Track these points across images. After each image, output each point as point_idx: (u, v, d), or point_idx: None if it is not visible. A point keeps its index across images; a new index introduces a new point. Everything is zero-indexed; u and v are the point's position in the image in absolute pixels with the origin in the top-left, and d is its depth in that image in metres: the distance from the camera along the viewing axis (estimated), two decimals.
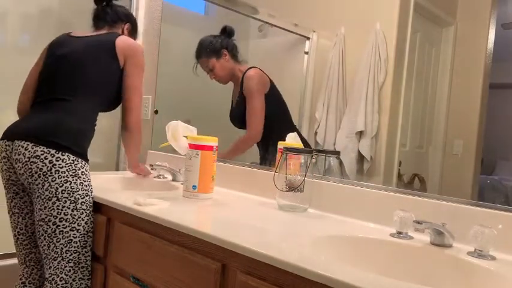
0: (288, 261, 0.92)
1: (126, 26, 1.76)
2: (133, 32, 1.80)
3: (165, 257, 1.23)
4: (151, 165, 2.03)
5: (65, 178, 1.38)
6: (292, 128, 1.70)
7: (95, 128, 1.57)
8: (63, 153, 1.38)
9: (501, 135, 1.23)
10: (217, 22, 2.22)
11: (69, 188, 1.38)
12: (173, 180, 1.96)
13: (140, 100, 1.65)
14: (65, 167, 1.38)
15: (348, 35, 1.57)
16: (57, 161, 1.37)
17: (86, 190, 1.43)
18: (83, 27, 1.72)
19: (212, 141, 1.57)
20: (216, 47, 1.92)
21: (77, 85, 1.51)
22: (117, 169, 2.39)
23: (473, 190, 1.26)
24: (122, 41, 1.60)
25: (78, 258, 1.42)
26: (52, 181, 1.36)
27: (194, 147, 1.56)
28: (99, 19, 1.72)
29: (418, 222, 1.11)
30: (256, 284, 0.99)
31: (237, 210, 1.43)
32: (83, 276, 1.44)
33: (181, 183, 1.69)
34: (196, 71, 2.01)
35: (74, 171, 1.40)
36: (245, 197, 1.69)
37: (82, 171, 1.43)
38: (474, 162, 1.26)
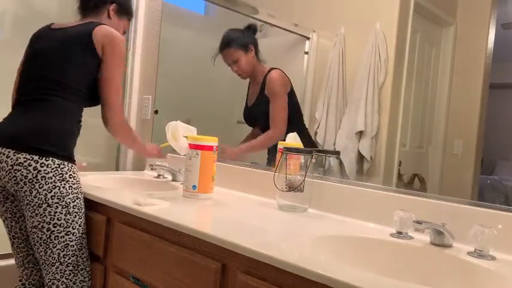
0: (288, 261, 0.92)
1: (112, 7, 1.62)
2: (121, 13, 1.66)
3: (165, 257, 1.23)
4: (151, 165, 2.03)
5: (53, 184, 1.35)
6: (304, 129, 1.69)
7: (81, 125, 1.51)
8: (47, 159, 1.34)
9: (501, 135, 1.23)
10: (217, 22, 2.23)
11: (59, 193, 1.36)
12: (173, 180, 1.96)
13: (117, 93, 1.52)
14: (51, 172, 1.35)
15: (348, 35, 1.57)
16: (42, 166, 1.34)
17: (76, 193, 1.41)
18: None
19: (212, 141, 1.57)
20: (245, 41, 1.90)
21: (57, 83, 1.44)
22: (117, 169, 2.38)
23: (473, 190, 1.26)
24: (100, 30, 1.48)
25: (76, 261, 1.41)
26: (40, 188, 1.33)
27: (194, 147, 1.55)
28: (83, 7, 1.61)
29: (418, 222, 1.11)
30: (256, 284, 0.99)
31: (237, 210, 1.43)
32: (84, 278, 1.43)
33: (181, 183, 1.69)
34: (214, 63, 1.96)
35: (60, 175, 1.37)
36: (245, 197, 1.69)
37: (70, 174, 1.39)
38: (474, 162, 1.26)
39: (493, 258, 1.06)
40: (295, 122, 1.75)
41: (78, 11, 1.63)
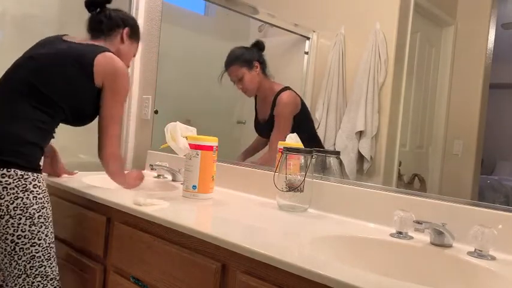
0: (288, 261, 0.92)
1: (125, 30, 1.62)
2: (134, 36, 1.66)
3: (165, 257, 1.23)
4: (151, 165, 2.03)
5: (15, 194, 1.29)
6: (316, 140, 1.67)
7: (51, 137, 1.46)
8: (9, 170, 1.29)
9: (501, 135, 1.23)
10: (217, 22, 2.23)
11: (22, 204, 1.30)
12: (173, 180, 1.96)
13: (116, 130, 1.51)
14: (13, 183, 1.29)
15: (348, 35, 1.57)
16: (3, 177, 1.28)
17: (41, 203, 1.35)
18: (82, 29, 1.67)
19: (212, 141, 1.57)
20: (249, 58, 1.89)
21: (36, 90, 1.38)
22: None
23: (473, 190, 1.26)
24: (103, 59, 1.46)
25: (45, 271, 1.35)
26: (1, 199, 1.28)
27: (194, 147, 1.55)
28: (94, 28, 1.59)
29: (418, 222, 1.11)
30: (256, 284, 0.99)
31: (237, 210, 1.43)
32: (54, 287, 1.39)
33: (181, 183, 1.69)
34: (221, 80, 1.97)
35: (24, 186, 1.31)
36: (245, 197, 1.69)
37: (34, 185, 1.33)
38: (474, 162, 1.26)
39: (493, 258, 1.06)
40: (308, 137, 1.70)
41: (89, 32, 1.60)
